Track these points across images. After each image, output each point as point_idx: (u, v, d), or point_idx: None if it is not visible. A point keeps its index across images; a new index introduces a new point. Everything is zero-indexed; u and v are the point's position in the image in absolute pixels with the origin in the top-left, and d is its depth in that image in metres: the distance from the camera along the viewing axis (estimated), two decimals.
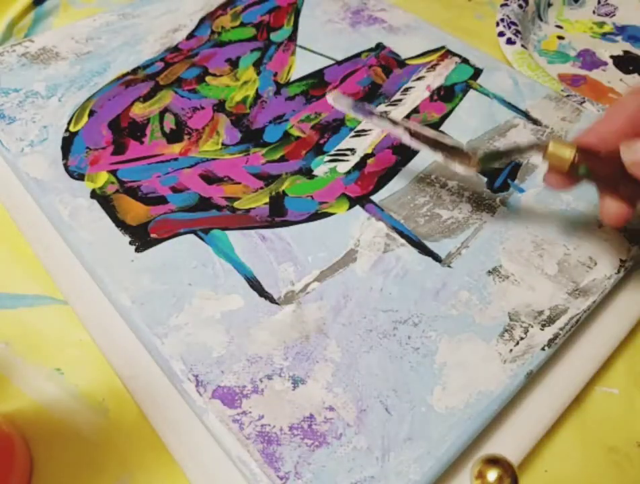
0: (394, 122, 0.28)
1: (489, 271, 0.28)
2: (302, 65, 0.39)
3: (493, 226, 0.30)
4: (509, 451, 0.24)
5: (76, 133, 0.33)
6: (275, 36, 0.41)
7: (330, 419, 0.23)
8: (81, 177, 0.31)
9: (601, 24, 0.53)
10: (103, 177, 0.31)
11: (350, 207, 0.31)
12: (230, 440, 0.22)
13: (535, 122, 0.36)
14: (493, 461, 0.20)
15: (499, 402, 0.24)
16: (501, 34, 0.47)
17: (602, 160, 0.24)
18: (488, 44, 0.48)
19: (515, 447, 0.25)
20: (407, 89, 0.38)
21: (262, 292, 0.27)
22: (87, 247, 0.28)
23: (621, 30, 0.53)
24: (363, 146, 0.34)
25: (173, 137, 0.34)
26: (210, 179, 0.32)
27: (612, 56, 0.49)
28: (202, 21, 0.42)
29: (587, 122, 0.36)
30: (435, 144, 0.27)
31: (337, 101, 0.30)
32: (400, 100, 0.37)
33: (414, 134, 0.28)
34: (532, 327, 0.26)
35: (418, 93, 0.37)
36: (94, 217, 0.29)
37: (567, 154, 0.24)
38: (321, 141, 0.34)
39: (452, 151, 0.27)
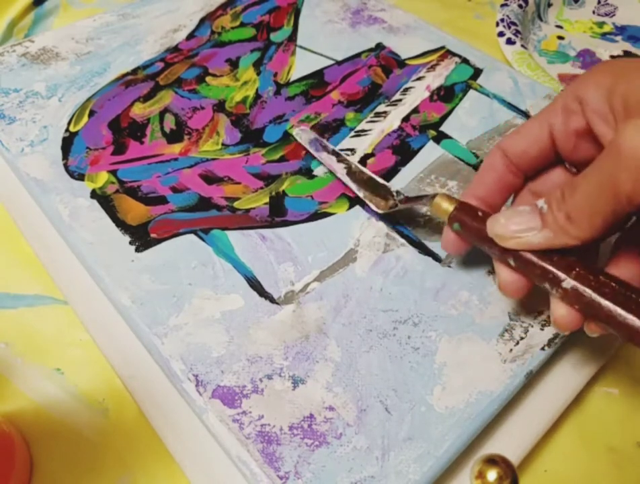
0: (339, 160, 0.32)
1: (489, 271, 0.28)
2: (302, 65, 0.39)
3: None
4: (509, 451, 0.24)
5: (76, 133, 0.33)
6: (275, 36, 0.41)
7: (330, 419, 0.23)
8: (81, 177, 0.31)
9: (601, 24, 0.53)
10: (103, 177, 0.31)
11: (350, 207, 0.31)
12: (230, 440, 0.22)
13: None
14: (493, 461, 0.20)
15: (499, 402, 0.24)
16: (501, 34, 0.47)
17: (481, 220, 0.24)
18: (488, 44, 0.48)
19: (515, 447, 0.25)
20: (406, 89, 0.38)
21: (262, 292, 0.27)
22: (87, 247, 0.28)
23: (621, 30, 0.53)
24: (363, 146, 0.34)
25: (173, 137, 0.34)
26: (210, 179, 0.32)
27: (612, 56, 0.49)
28: (202, 21, 0.42)
29: None
30: (362, 184, 0.31)
31: (299, 135, 0.34)
32: (400, 100, 0.37)
33: (350, 172, 0.31)
34: (532, 326, 0.26)
35: (418, 93, 0.37)
36: (94, 217, 0.29)
37: (447, 207, 0.25)
38: None
39: (374, 192, 0.30)
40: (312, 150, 0.33)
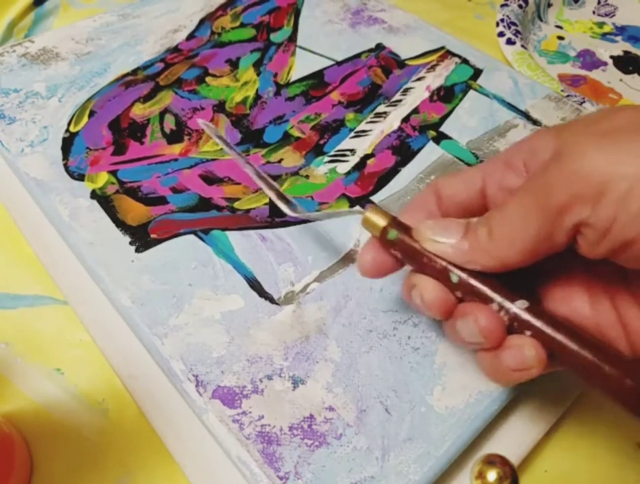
0: (243, 158, 0.28)
1: None
2: (302, 66, 0.39)
3: None
4: (509, 451, 0.24)
5: (76, 133, 0.33)
6: (275, 37, 0.41)
7: (330, 419, 0.23)
8: (81, 178, 0.31)
9: (601, 24, 0.53)
10: (103, 177, 0.31)
11: (350, 207, 0.31)
12: (230, 440, 0.22)
13: (535, 122, 0.36)
14: (493, 461, 0.20)
15: (499, 402, 0.24)
16: (501, 34, 0.47)
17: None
18: (488, 44, 0.48)
19: (515, 447, 0.25)
20: (406, 90, 0.38)
21: (262, 293, 0.27)
22: (87, 247, 0.28)
23: (621, 30, 0.53)
24: (363, 146, 0.34)
25: (173, 138, 0.34)
26: (210, 179, 0.32)
27: (612, 57, 0.49)
28: (202, 21, 0.42)
29: None
30: (270, 187, 0.27)
31: (207, 126, 0.30)
32: (400, 100, 0.37)
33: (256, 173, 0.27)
34: None
35: (418, 93, 0.37)
36: (94, 217, 0.29)
37: (381, 221, 0.22)
38: (321, 142, 0.34)
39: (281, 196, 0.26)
40: (222, 145, 0.29)
